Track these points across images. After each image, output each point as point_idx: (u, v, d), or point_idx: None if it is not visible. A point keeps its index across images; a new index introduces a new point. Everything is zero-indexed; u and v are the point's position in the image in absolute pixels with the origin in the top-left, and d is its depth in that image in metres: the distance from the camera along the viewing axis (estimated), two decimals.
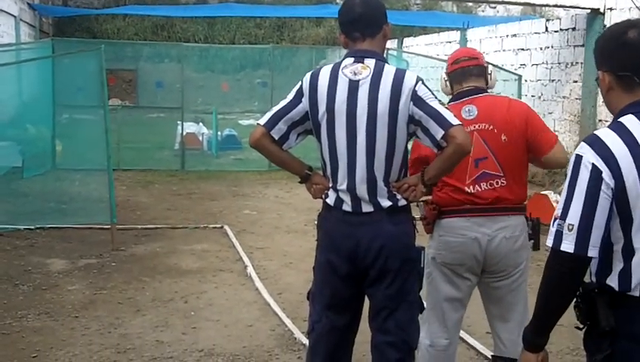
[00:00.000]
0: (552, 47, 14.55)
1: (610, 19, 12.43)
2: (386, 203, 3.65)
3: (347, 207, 3.69)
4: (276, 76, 17.70)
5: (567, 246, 2.47)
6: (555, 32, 14.45)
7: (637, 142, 2.47)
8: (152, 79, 21.98)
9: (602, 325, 2.52)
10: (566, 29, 13.98)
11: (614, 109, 2.65)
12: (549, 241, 2.55)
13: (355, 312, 3.92)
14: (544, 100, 14.64)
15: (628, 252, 2.51)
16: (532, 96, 14.94)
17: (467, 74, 4.28)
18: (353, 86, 3.61)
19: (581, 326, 2.66)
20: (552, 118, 14.13)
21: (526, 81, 14.69)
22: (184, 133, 16.52)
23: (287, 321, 6.18)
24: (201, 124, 18.59)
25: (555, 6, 14.25)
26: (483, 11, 28.88)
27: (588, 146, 2.50)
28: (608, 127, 2.57)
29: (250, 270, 7.74)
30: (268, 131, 3.76)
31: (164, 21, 30.12)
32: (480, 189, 4.05)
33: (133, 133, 17.38)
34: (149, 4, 28.69)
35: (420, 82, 3.60)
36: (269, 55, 18.66)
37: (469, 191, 4.05)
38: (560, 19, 14.83)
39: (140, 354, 5.57)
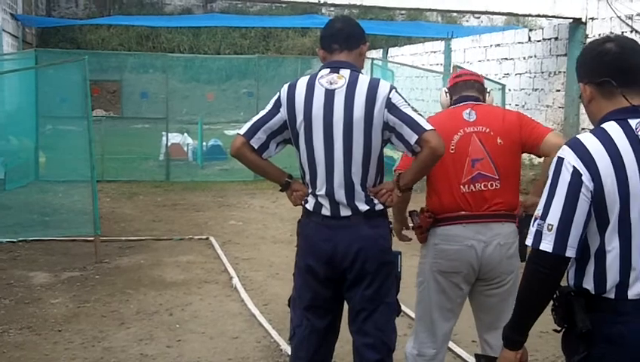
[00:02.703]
0: (535, 56, 14.61)
1: (592, 29, 12.50)
2: (363, 206, 3.75)
3: (326, 211, 3.80)
4: (262, 86, 17.70)
5: (546, 245, 2.54)
6: (538, 41, 14.52)
7: (617, 148, 2.54)
8: (136, 90, 21.95)
9: (579, 327, 2.58)
10: (549, 39, 14.05)
11: (596, 119, 2.71)
12: (529, 241, 2.61)
13: (336, 315, 4.00)
14: (528, 109, 14.68)
15: (601, 254, 2.58)
16: (516, 105, 14.99)
17: (469, 86, 4.41)
18: (329, 95, 3.75)
19: (559, 328, 2.72)
20: None
21: (510, 90, 14.73)
22: (169, 144, 16.47)
23: (274, 333, 6.13)
24: (186, 134, 18.58)
25: (538, 16, 14.30)
26: (467, 21, 28.99)
27: (569, 149, 2.58)
28: (590, 131, 2.64)
29: (236, 281, 7.69)
30: (247, 140, 3.89)
31: (149, 31, 30.05)
32: (474, 189, 4.06)
33: (118, 144, 17.33)
34: (134, 15, 28.74)
35: (394, 90, 3.74)
36: (254, 65, 18.68)
37: (464, 190, 4.06)
38: (543, 29, 14.90)
39: None
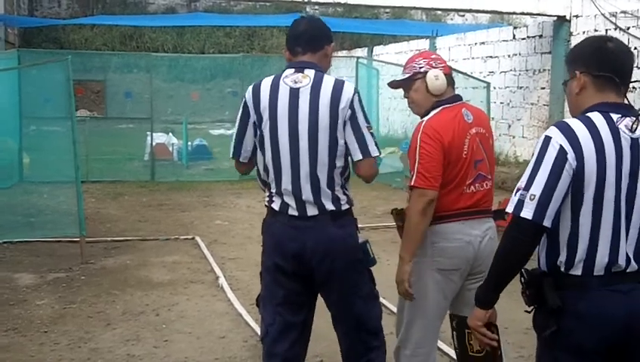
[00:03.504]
0: (519, 54, 14.66)
1: (577, 27, 12.55)
2: (329, 206, 3.83)
3: (293, 211, 3.85)
4: (247, 85, 17.18)
5: (527, 213, 2.73)
6: (523, 39, 14.57)
7: (600, 136, 2.74)
8: (120, 90, 21.91)
9: (550, 304, 2.78)
10: (533, 37, 14.10)
11: (580, 108, 2.90)
12: (510, 208, 2.79)
13: (309, 309, 4.07)
14: (513, 107, 14.73)
15: (573, 231, 2.79)
16: (501, 103, 15.03)
17: (453, 81, 4.33)
18: (294, 94, 3.82)
19: (529, 309, 2.92)
20: (521, 124, 14.22)
21: (495, 88, 14.77)
22: (154, 144, 16.40)
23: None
24: (170, 134, 18.53)
25: (522, 14, 14.35)
26: (452, 19, 29.06)
27: (557, 130, 2.78)
28: (577, 118, 2.83)
29: (222, 281, 7.68)
30: (238, 159, 4.06)
31: (133, 31, 29.97)
32: (474, 190, 4.07)
33: (102, 145, 17.28)
34: (117, 14, 28.63)
35: (357, 94, 3.84)
36: (239, 64, 18.67)
37: (467, 191, 4.06)
38: (527, 26, 14.95)
39: None
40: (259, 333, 6.04)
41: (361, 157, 3.81)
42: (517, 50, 14.72)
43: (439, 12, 26.99)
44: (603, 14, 11.77)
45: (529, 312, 2.95)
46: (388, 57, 21.21)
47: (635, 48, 11.01)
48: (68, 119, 9.41)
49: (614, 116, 2.80)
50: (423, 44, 19.62)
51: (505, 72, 15.16)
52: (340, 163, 3.84)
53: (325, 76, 3.87)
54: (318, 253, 3.81)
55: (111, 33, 30.10)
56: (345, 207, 3.88)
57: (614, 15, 11.53)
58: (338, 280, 3.88)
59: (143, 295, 7.33)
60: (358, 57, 17.56)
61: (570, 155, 2.72)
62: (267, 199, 4.00)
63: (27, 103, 14.67)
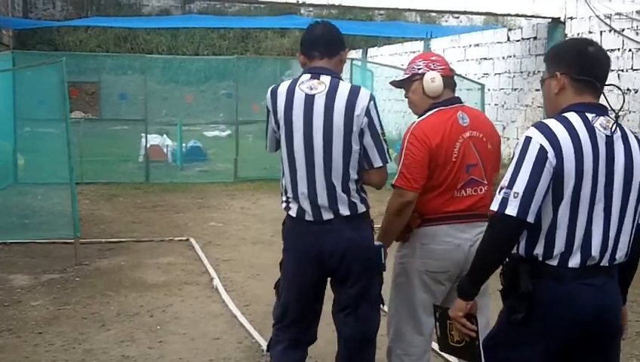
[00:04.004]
0: (514, 56, 14.69)
1: (571, 28, 12.58)
2: (345, 211, 3.89)
3: (309, 216, 3.92)
4: (241, 87, 17.67)
5: (512, 210, 2.86)
6: (517, 41, 14.60)
7: (578, 135, 2.89)
8: (115, 91, 21.90)
9: (522, 288, 2.95)
10: (527, 38, 14.13)
11: (557, 108, 3.05)
12: (494, 206, 2.92)
13: (320, 298, 4.16)
14: (507, 109, 14.76)
15: (552, 225, 2.93)
16: (495, 104, 15.06)
17: (454, 84, 4.33)
18: (309, 100, 3.86)
19: (508, 289, 3.06)
20: (515, 126, 14.25)
21: (489, 90, 14.79)
22: (148, 146, 16.39)
23: (255, 333, 6.13)
24: (165, 135, 18.52)
25: (517, 15, 14.37)
26: (446, 21, 29.11)
27: (537, 130, 2.92)
28: (554, 118, 2.98)
29: (217, 282, 7.68)
30: (272, 152, 4.20)
31: (127, 32, 29.95)
32: (465, 194, 4.07)
33: (97, 146, 17.24)
34: (112, 16, 28.59)
35: (373, 101, 3.89)
36: (233, 66, 18.65)
37: (457, 195, 4.07)
38: (522, 28, 14.98)
39: None
40: (253, 335, 6.11)
41: (380, 164, 3.92)
42: (511, 52, 14.74)
43: (433, 14, 27.07)
44: (597, 16, 11.80)
45: (504, 296, 3.09)
46: (382, 59, 21.24)
47: (630, 50, 11.04)
48: (62, 121, 9.40)
49: (589, 115, 2.95)
50: (418, 46, 19.66)
51: (499, 73, 15.19)
52: (354, 169, 3.89)
53: (341, 83, 3.91)
54: (337, 255, 3.91)
55: (105, 35, 30.07)
56: (361, 210, 3.95)
57: (609, 17, 11.56)
58: (353, 281, 3.97)
59: (138, 296, 7.33)
60: (352, 59, 17.54)
61: (550, 154, 2.85)
62: (284, 204, 4.06)
63: (22, 105, 14.66)
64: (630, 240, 3.05)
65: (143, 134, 16.60)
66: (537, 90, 13.66)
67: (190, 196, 13.91)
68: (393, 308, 4.31)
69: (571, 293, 2.94)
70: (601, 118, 2.96)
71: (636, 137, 3.06)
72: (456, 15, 26.70)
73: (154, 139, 17.53)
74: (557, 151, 2.86)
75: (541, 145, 2.87)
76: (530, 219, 2.87)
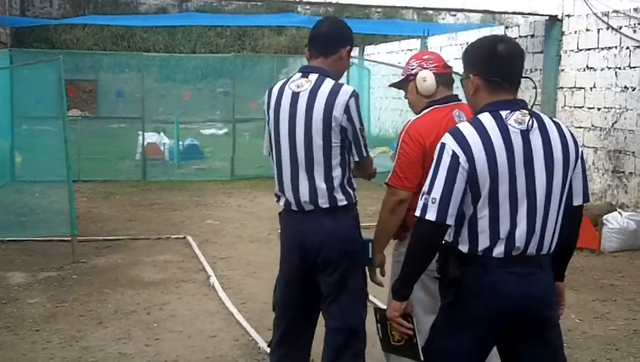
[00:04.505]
0: None
1: (569, 26, 12.57)
2: (325, 204, 4.01)
3: (294, 206, 4.09)
4: (238, 85, 17.68)
5: (431, 215, 3.02)
6: (514, 38, 14.58)
7: (489, 136, 3.03)
8: (112, 89, 21.84)
9: (449, 276, 3.12)
10: (525, 36, 14.11)
11: (476, 107, 3.20)
12: (417, 212, 3.08)
13: (308, 295, 4.24)
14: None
15: (474, 221, 3.08)
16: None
17: (452, 81, 4.35)
18: (294, 98, 4.01)
19: (438, 275, 3.22)
20: None
21: None
22: (145, 144, 16.40)
23: (251, 331, 6.15)
24: (162, 133, 18.51)
25: (514, 13, 14.35)
26: (443, 19, 29.08)
27: (450, 136, 3.08)
28: (468, 122, 3.14)
29: (214, 280, 7.70)
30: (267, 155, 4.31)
31: (124, 31, 29.88)
32: None
33: (94, 144, 17.25)
34: (109, 14, 28.52)
35: (353, 98, 3.95)
36: (230, 64, 18.66)
37: None
38: (519, 26, 14.96)
39: None
40: (250, 332, 6.12)
41: (357, 159, 4.04)
42: None
43: (430, 12, 27.03)
44: (595, 14, 11.79)
45: (437, 279, 3.25)
46: (379, 57, 21.20)
47: (627, 48, 11.05)
48: (60, 118, 9.41)
49: (503, 113, 3.10)
50: (415, 44, 19.62)
51: None
52: (335, 163, 3.98)
53: (326, 80, 3.99)
54: (315, 244, 4.03)
55: (102, 33, 30.00)
56: (342, 203, 4.02)
57: (606, 14, 11.56)
58: (332, 270, 4.05)
59: (135, 294, 7.34)
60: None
61: (462, 158, 3.01)
62: (276, 197, 4.24)
63: (19, 103, 14.65)
64: (555, 229, 3.16)
65: (140, 132, 16.62)
66: (534, 87, 13.66)
67: (187, 194, 13.93)
68: None
69: (495, 282, 3.08)
70: (516, 113, 3.10)
71: (557, 124, 3.18)
72: (454, 13, 26.68)
73: (151, 137, 17.54)
74: (468, 155, 3.00)
75: (453, 151, 3.02)
76: (450, 221, 3.04)
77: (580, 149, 3.23)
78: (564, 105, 12.66)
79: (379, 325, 3.59)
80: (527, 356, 3.21)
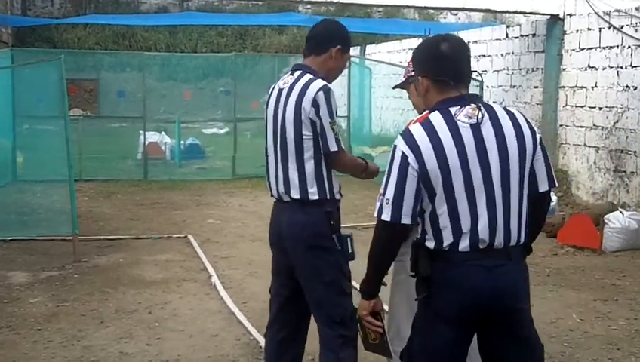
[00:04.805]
0: (512, 53, 14.68)
1: (570, 25, 12.57)
2: (296, 195, 4.12)
3: (275, 195, 4.29)
4: (239, 84, 17.67)
5: (386, 216, 3.13)
6: (516, 38, 14.59)
7: (437, 134, 3.11)
8: (113, 89, 21.87)
9: (421, 272, 3.19)
10: (526, 35, 14.11)
11: (429, 106, 3.28)
12: (375, 213, 3.18)
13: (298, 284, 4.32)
14: (506, 106, 14.75)
15: (435, 217, 3.14)
16: (494, 102, 15.02)
17: None
18: (279, 94, 4.21)
19: (413, 273, 3.28)
20: None
21: (487, 87, 14.79)
22: (146, 143, 16.40)
23: (253, 330, 6.15)
24: (163, 133, 18.51)
25: (516, 12, 14.36)
26: (444, 18, 29.07)
27: (401, 138, 3.18)
28: (419, 123, 3.20)
29: (215, 279, 7.70)
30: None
31: (125, 30, 29.89)
32: None
33: (95, 144, 17.24)
34: (110, 14, 28.52)
35: (322, 92, 4.04)
36: (231, 63, 18.67)
37: None
38: (520, 25, 14.96)
39: None
40: (251, 332, 6.12)
41: (323, 151, 4.08)
42: (510, 49, 14.74)
43: (432, 11, 27.03)
44: (597, 13, 11.79)
45: (413, 276, 3.29)
46: (380, 56, 21.20)
47: (629, 47, 11.04)
48: (61, 118, 9.41)
49: (453, 110, 3.16)
50: (416, 43, 19.51)
51: (498, 70, 15.18)
52: (308, 156, 4.08)
53: (305, 76, 4.13)
54: (287, 235, 4.19)
55: (104, 32, 30.02)
56: (314, 197, 4.10)
57: (608, 14, 11.55)
58: (301, 264, 4.19)
59: (136, 293, 7.35)
60: (350, 56, 17.54)
61: (411, 159, 3.09)
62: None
63: (20, 102, 14.66)
64: (521, 219, 3.19)
65: (141, 131, 16.62)
66: (536, 87, 13.67)
67: (188, 193, 13.93)
68: (393, 306, 4.32)
69: (461, 276, 3.13)
70: (466, 108, 3.16)
71: (511, 114, 3.22)
72: (455, 12, 26.67)
73: (152, 137, 17.54)
74: (417, 155, 3.08)
75: (402, 152, 3.12)
76: (406, 220, 3.12)
77: (538, 136, 3.26)
78: (566, 105, 12.66)
79: (358, 324, 3.71)
80: (502, 350, 3.25)
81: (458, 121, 3.13)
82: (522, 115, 3.27)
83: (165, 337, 6.12)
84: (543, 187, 3.28)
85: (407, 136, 3.15)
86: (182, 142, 18.00)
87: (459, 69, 3.25)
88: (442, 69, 3.21)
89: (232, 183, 15.22)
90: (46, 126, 15.14)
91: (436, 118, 3.16)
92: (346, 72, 17.09)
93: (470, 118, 3.14)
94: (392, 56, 20.64)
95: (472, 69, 3.34)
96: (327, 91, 4.04)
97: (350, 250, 4.20)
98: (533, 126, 3.27)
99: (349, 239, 4.20)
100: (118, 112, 20.97)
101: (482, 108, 3.16)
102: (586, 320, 6.78)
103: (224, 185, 15.00)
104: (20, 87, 14.53)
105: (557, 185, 3.41)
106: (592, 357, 5.86)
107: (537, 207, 3.33)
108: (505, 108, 3.27)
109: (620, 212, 9.80)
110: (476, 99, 3.22)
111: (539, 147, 3.24)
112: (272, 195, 4.34)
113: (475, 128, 3.12)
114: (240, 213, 11.98)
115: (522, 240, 3.21)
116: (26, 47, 23.31)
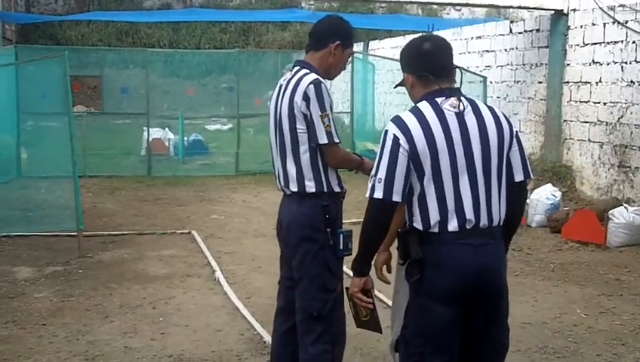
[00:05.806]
0: (516, 48, 14.66)
1: (574, 20, 12.55)
2: (294, 188, 4.21)
3: (280, 189, 4.39)
4: (242, 80, 17.67)
5: (378, 194, 3.30)
6: (520, 33, 14.56)
7: (426, 119, 3.33)
8: (117, 85, 21.85)
9: (412, 256, 3.33)
10: (530, 31, 14.09)
11: (415, 99, 3.51)
12: (367, 193, 3.34)
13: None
14: (509, 101, 14.74)
15: (423, 198, 3.32)
16: (497, 97, 15.04)
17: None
18: (279, 90, 4.30)
19: (402, 262, 3.43)
20: (518, 118, 14.24)
21: (491, 82, 14.77)
22: (150, 139, 16.42)
23: (257, 325, 6.16)
24: (167, 129, 18.52)
25: (519, 7, 14.32)
26: (448, 14, 29.04)
27: (392, 123, 3.38)
28: (408, 110, 3.43)
29: (219, 274, 7.71)
30: None
31: (129, 27, 29.91)
32: None
33: (99, 140, 17.27)
34: (113, 10, 28.52)
35: (312, 85, 4.11)
36: (234, 60, 18.63)
37: None
38: (524, 20, 14.94)
39: (109, 360, 5.54)
40: (255, 327, 6.13)
41: (313, 143, 4.15)
42: (514, 44, 14.71)
43: (435, 6, 27.04)
44: (601, 8, 11.75)
45: (402, 264, 3.45)
46: (384, 52, 21.16)
47: (634, 42, 11.02)
48: (65, 114, 9.43)
49: (439, 100, 3.39)
50: None
51: (502, 66, 15.16)
52: (304, 150, 4.17)
53: (301, 71, 4.22)
54: (284, 226, 4.33)
55: (107, 29, 30.03)
56: (311, 190, 4.17)
57: (612, 9, 11.52)
58: (293, 255, 4.28)
59: (140, 288, 7.36)
60: (353, 52, 17.56)
61: (402, 140, 3.29)
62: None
63: (24, 99, 14.67)
64: (501, 200, 3.40)
65: (144, 128, 16.64)
66: (540, 82, 13.65)
67: (192, 189, 13.95)
68: (397, 300, 4.32)
69: (453, 253, 3.30)
70: (451, 99, 3.39)
71: (491, 108, 3.48)
72: (458, 7, 26.63)
73: (156, 133, 17.55)
74: (408, 136, 3.29)
75: (394, 134, 3.32)
76: (397, 198, 3.30)
77: (515, 130, 3.51)
78: (570, 100, 12.64)
79: (350, 303, 3.79)
80: (479, 324, 3.38)
81: (444, 109, 3.36)
82: (499, 110, 3.53)
83: (169, 332, 6.14)
84: (518, 177, 3.49)
85: (398, 121, 3.37)
86: (185, 138, 18.03)
87: (438, 65, 3.49)
88: (424, 65, 3.48)
89: (235, 179, 15.23)
90: (50, 122, 15.17)
91: (424, 105, 3.40)
92: (349, 67, 17.12)
93: (454, 107, 3.37)
94: (396, 52, 20.55)
95: (455, 65, 3.56)
96: (317, 84, 4.10)
97: (343, 247, 4.23)
98: (510, 120, 3.52)
99: (342, 235, 4.22)
100: (121, 109, 20.93)
101: (464, 100, 3.40)
102: (590, 315, 6.78)
103: (227, 181, 15.02)
104: (24, 84, 14.55)
105: (532, 176, 3.64)
106: (596, 352, 5.86)
107: (514, 196, 3.50)
108: (485, 103, 3.53)
109: (625, 207, 9.80)
110: (458, 93, 3.44)
111: (514, 139, 3.48)
112: (277, 189, 4.43)
113: (460, 116, 3.36)
114: (243, 209, 11.99)
115: (502, 221, 3.41)
116: (29, 44, 23.35)
